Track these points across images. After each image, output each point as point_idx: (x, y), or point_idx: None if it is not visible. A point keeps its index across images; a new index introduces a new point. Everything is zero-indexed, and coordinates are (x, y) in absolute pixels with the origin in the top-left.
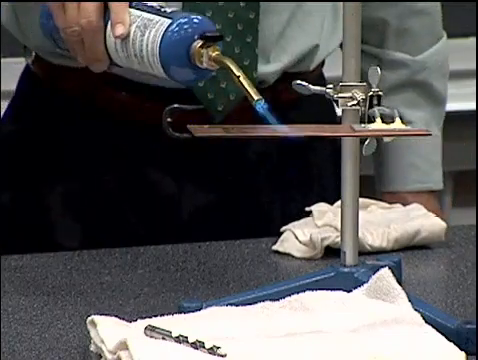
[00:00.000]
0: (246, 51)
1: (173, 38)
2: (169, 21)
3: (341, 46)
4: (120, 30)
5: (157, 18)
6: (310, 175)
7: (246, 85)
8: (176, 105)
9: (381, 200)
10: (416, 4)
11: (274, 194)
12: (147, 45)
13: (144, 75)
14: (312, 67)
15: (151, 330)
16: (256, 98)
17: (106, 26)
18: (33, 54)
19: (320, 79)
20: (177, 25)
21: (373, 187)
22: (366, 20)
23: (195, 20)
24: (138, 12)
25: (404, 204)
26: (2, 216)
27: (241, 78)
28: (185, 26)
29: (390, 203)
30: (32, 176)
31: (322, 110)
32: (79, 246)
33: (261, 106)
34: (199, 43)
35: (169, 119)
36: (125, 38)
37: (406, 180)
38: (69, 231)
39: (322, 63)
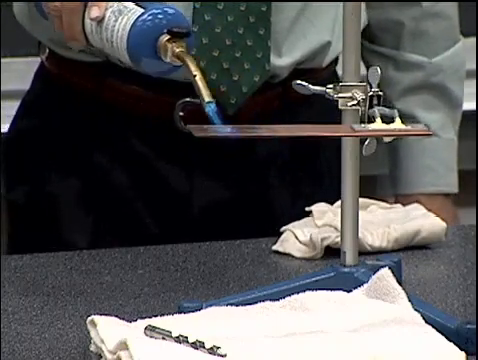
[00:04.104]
0: (259, 43)
1: (142, 28)
2: (141, 11)
3: None
4: (95, 13)
5: (132, 6)
6: (323, 174)
7: (200, 85)
8: (188, 99)
9: (386, 200)
10: (433, 7)
11: (285, 192)
12: (118, 31)
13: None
14: (324, 64)
15: (151, 330)
16: (207, 100)
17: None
18: (47, 50)
19: (333, 77)
20: (148, 16)
21: (373, 187)
22: (382, 22)
23: (168, 13)
24: None
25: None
26: (13, 213)
27: (197, 77)
28: (156, 18)
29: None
30: (43, 173)
31: (332, 107)
32: (90, 242)
33: (211, 109)
34: (166, 37)
35: (181, 113)
36: (100, 21)
37: (421, 182)
38: (80, 227)
39: (336, 61)
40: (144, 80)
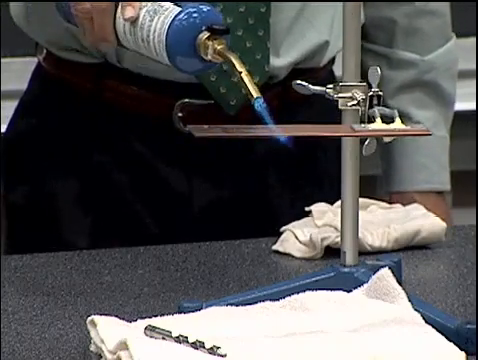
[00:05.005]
0: (258, 45)
1: (180, 27)
2: (178, 9)
3: None
4: (129, 13)
5: (167, 5)
6: (322, 174)
7: (247, 82)
8: (187, 100)
9: (386, 200)
10: (426, 5)
11: (285, 192)
12: (155, 31)
13: (153, 66)
14: (322, 64)
15: (151, 330)
16: (255, 96)
17: (118, 7)
18: (44, 51)
19: (330, 76)
20: (186, 14)
21: (373, 187)
22: (375, 19)
23: (204, 11)
24: None
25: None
26: (13, 214)
27: (243, 74)
28: (193, 16)
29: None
30: (42, 173)
31: (332, 107)
32: (90, 243)
33: (259, 104)
34: (206, 35)
35: (180, 113)
36: (134, 21)
37: (414, 180)
38: (80, 228)
39: (333, 60)
40: (143, 81)
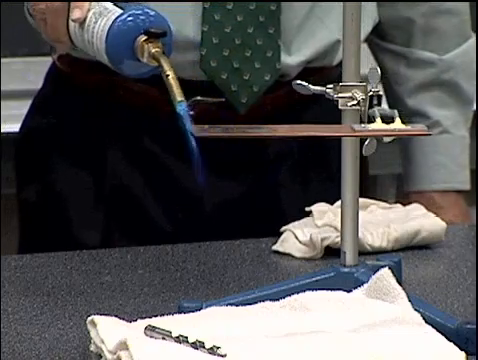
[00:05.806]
0: (269, 42)
1: (119, 29)
2: (120, 12)
3: (366, 41)
4: (76, 14)
5: (111, 7)
6: (334, 174)
7: (173, 85)
8: (198, 97)
9: (386, 200)
10: (442, 4)
11: (297, 191)
12: (98, 32)
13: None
14: (335, 62)
15: (151, 330)
16: (179, 99)
17: None
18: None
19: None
20: (126, 16)
21: (373, 187)
22: (392, 19)
23: (146, 14)
24: None
25: (432, 204)
26: (25, 211)
27: (170, 77)
28: (134, 19)
29: (413, 203)
30: (54, 171)
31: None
32: (101, 241)
33: (182, 108)
34: (143, 37)
35: (191, 111)
36: (82, 23)
37: (433, 179)
38: (92, 226)
39: None
40: (155, 78)
